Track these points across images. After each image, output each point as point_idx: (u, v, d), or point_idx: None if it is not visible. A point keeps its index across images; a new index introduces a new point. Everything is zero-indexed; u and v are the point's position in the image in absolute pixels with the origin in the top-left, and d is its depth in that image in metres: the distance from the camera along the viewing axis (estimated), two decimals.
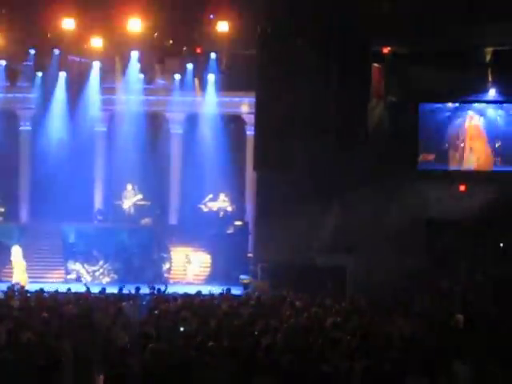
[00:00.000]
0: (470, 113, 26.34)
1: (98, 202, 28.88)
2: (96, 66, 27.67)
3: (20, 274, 24.41)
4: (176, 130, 28.96)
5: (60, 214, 26.97)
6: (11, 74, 27.50)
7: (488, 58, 25.43)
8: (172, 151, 28.95)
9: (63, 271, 26.01)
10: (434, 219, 25.06)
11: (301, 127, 24.57)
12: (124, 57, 27.10)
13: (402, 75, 25.92)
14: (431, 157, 26.39)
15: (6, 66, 27.25)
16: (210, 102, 28.37)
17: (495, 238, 24.79)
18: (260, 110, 25.23)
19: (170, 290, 20.74)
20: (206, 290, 20.99)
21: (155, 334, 14.28)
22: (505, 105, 26.31)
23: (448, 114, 26.50)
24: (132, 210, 27.85)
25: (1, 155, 28.22)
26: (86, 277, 25.86)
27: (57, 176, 27.49)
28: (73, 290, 20.13)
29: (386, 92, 26.34)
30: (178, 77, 28.17)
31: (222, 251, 26.17)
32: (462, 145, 26.41)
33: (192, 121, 28.80)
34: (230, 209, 27.74)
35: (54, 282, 23.27)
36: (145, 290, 20.08)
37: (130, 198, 27.86)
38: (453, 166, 26.45)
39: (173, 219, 28.86)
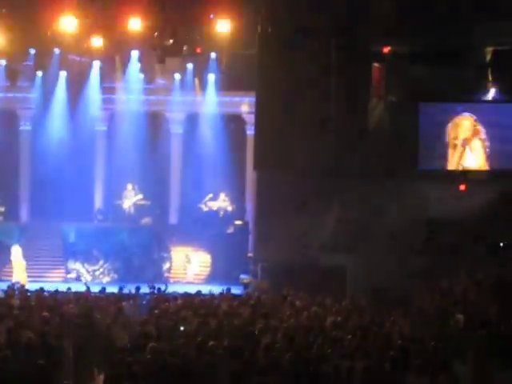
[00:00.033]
0: (467, 113, 26.33)
1: (98, 201, 28.89)
2: (96, 65, 27.70)
3: (20, 273, 24.42)
4: (176, 129, 28.97)
5: (60, 213, 26.99)
6: (11, 74, 27.54)
7: (488, 57, 25.42)
8: (172, 151, 28.95)
9: (63, 271, 26.01)
10: (434, 219, 25.05)
11: (301, 127, 24.58)
12: (124, 56, 27.15)
13: (402, 75, 25.91)
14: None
15: (6, 65, 27.28)
16: (210, 101, 28.39)
17: (495, 237, 24.77)
18: (260, 109, 25.24)
19: (170, 289, 20.75)
20: (206, 289, 20.98)
21: (155, 333, 14.29)
22: (505, 104, 26.29)
23: (447, 113, 26.49)
24: (132, 210, 27.86)
25: (1, 155, 28.23)
26: (86, 276, 25.87)
27: (57, 175, 27.49)
28: (73, 290, 20.10)
29: (386, 92, 26.35)
30: (178, 76, 28.21)
31: (222, 251, 26.16)
32: (460, 144, 26.41)
33: (192, 120, 28.80)
34: (230, 208, 27.75)
35: (54, 282, 23.24)
36: (145, 289, 20.08)
37: (131, 198, 27.87)
38: (451, 166, 26.44)
39: (173, 219, 28.86)
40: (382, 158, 25.05)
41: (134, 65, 27.54)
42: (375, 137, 25.57)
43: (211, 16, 23.84)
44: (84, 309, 16.81)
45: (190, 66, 27.64)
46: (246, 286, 24.48)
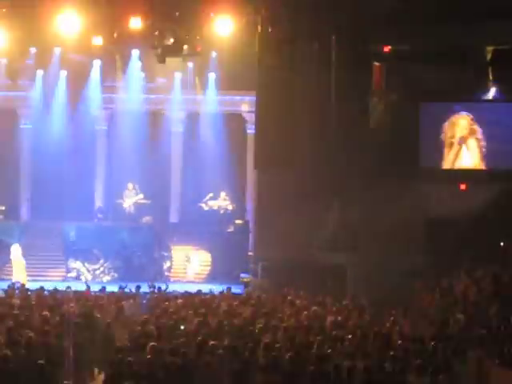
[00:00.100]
0: (464, 112, 26.33)
1: (99, 200, 28.86)
2: (97, 64, 27.67)
3: (19, 272, 24.42)
4: (176, 128, 28.94)
5: (61, 212, 26.97)
6: (12, 73, 27.50)
7: (488, 56, 25.41)
8: (172, 150, 28.92)
9: (64, 269, 26.00)
10: (434, 218, 25.05)
11: (301, 126, 24.57)
12: (125, 55, 27.12)
13: (402, 74, 25.89)
14: None
15: (6, 64, 27.25)
16: (211, 100, 28.37)
17: (495, 236, 24.77)
18: (260, 108, 25.21)
19: (171, 288, 20.76)
20: (206, 288, 21.00)
21: (155, 332, 14.29)
22: (505, 104, 26.28)
23: (448, 112, 26.49)
24: (132, 209, 27.84)
25: (1, 153, 28.23)
26: (86, 275, 25.85)
27: (57, 174, 27.47)
28: (73, 289, 20.10)
29: (387, 91, 26.33)
30: (178, 75, 28.18)
31: (222, 250, 26.14)
32: (456, 143, 26.40)
33: (192, 119, 28.79)
34: (230, 207, 27.72)
35: (54, 281, 23.23)
36: (145, 288, 20.09)
37: (131, 197, 27.84)
38: (446, 165, 26.44)
39: (173, 218, 28.84)
40: (383, 158, 25.04)
41: (135, 64, 27.52)
42: (376, 136, 25.56)
43: (211, 15, 23.83)
44: (84, 308, 16.82)
45: (190, 64, 27.62)
46: (246, 285, 24.49)
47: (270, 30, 23.99)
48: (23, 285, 20.79)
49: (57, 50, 26.67)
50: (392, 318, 16.40)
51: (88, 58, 27.12)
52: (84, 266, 26.06)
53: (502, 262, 22.92)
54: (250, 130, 28.02)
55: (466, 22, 23.60)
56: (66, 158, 27.77)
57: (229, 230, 26.82)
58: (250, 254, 26.67)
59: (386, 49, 25.47)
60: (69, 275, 25.89)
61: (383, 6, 23.84)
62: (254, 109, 26.26)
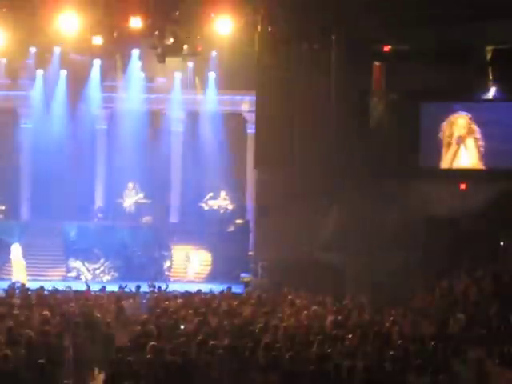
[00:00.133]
0: (463, 112, 26.32)
1: (99, 200, 28.87)
2: (97, 64, 27.67)
3: (19, 272, 24.43)
4: (176, 128, 28.95)
5: (61, 211, 26.98)
6: (12, 72, 27.49)
7: (489, 56, 25.40)
8: (172, 149, 28.93)
9: (64, 269, 26.01)
10: (434, 217, 25.04)
11: (301, 126, 24.57)
12: (125, 55, 27.12)
13: (402, 74, 25.88)
14: None
15: (6, 63, 27.25)
16: (211, 100, 28.37)
17: (495, 236, 24.77)
18: (260, 108, 25.23)
19: (171, 288, 20.75)
20: (206, 288, 21.01)
21: (156, 332, 14.30)
22: (505, 103, 26.28)
23: (448, 112, 26.48)
24: (133, 209, 27.84)
25: (1, 153, 28.24)
26: (86, 275, 25.86)
27: (58, 174, 27.47)
28: (73, 288, 20.10)
29: (387, 90, 26.32)
30: (178, 75, 28.18)
31: (222, 249, 26.14)
32: (455, 142, 26.39)
33: (192, 119, 28.79)
34: (230, 207, 27.73)
35: (54, 280, 23.23)
36: (145, 288, 20.09)
37: (131, 197, 27.85)
38: (444, 164, 26.44)
39: (174, 217, 28.85)
40: (383, 157, 25.04)
41: (135, 63, 27.52)
42: (376, 136, 25.56)
43: (211, 15, 23.84)
44: (84, 308, 16.83)
45: (190, 64, 27.63)
46: (246, 284, 24.49)
47: (269, 29, 24.00)
48: (23, 284, 20.79)
49: (57, 50, 26.67)
50: (392, 318, 16.41)
51: (88, 57, 27.10)
52: (84, 265, 26.07)
53: (502, 261, 22.93)
54: (250, 130, 28.02)
55: (465, 21, 23.60)
56: (66, 158, 27.77)
57: (229, 230, 26.83)
58: (250, 253, 26.67)
59: (386, 48, 25.46)
60: (69, 275, 25.90)
61: (383, 6, 23.85)
62: (254, 108, 26.27)
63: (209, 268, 26.37)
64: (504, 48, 25.02)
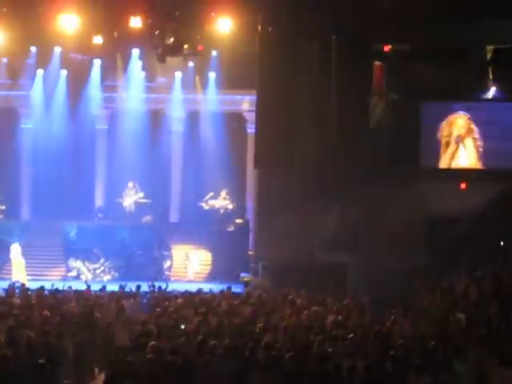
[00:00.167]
0: (462, 112, 26.32)
1: (99, 199, 28.88)
2: (97, 63, 27.66)
3: (19, 272, 24.43)
4: (177, 127, 28.95)
5: (61, 211, 26.97)
6: (13, 72, 27.49)
7: (489, 56, 25.41)
8: (173, 149, 28.93)
9: (64, 269, 26.00)
10: (435, 217, 25.06)
11: (301, 125, 24.57)
12: (125, 54, 27.10)
13: (403, 73, 25.89)
14: None
15: (7, 63, 27.24)
16: (211, 99, 28.36)
17: (495, 236, 24.77)
18: (261, 107, 25.19)
19: (171, 287, 20.75)
20: (206, 288, 21.00)
21: (156, 332, 14.29)
22: (505, 103, 26.28)
23: (448, 111, 26.49)
24: (133, 208, 27.83)
25: (2, 153, 28.24)
26: (86, 274, 25.86)
27: (58, 174, 27.48)
28: (73, 288, 20.10)
29: (388, 90, 26.34)
30: (179, 75, 28.18)
31: (222, 249, 26.14)
32: (454, 142, 26.39)
33: (193, 119, 28.79)
34: (230, 207, 27.71)
35: (54, 280, 23.21)
36: (145, 287, 20.08)
37: (131, 196, 27.84)
38: (443, 164, 26.43)
39: (174, 217, 28.85)
40: (383, 157, 25.04)
41: (135, 63, 27.51)
42: (376, 135, 25.56)
43: (212, 15, 23.84)
44: (85, 307, 16.82)
45: (190, 64, 27.62)
46: (246, 284, 24.49)
47: (270, 29, 23.98)
48: (23, 284, 20.79)
49: (57, 50, 26.65)
50: (392, 318, 16.40)
51: (88, 57, 27.09)
52: (84, 265, 26.07)
53: (502, 261, 22.93)
54: (251, 130, 28.01)
55: (466, 21, 23.59)
56: (66, 158, 27.78)
57: (229, 230, 26.83)
58: (250, 253, 26.67)
59: (387, 48, 25.48)
60: (69, 274, 25.89)
61: (384, 5, 23.85)
62: (254, 108, 26.27)
63: (209, 268, 26.36)
64: (504, 48, 25.03)
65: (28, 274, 24.50)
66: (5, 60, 27.08)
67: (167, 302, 17.71)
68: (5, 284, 20.94)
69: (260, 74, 24.81)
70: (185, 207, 28.72)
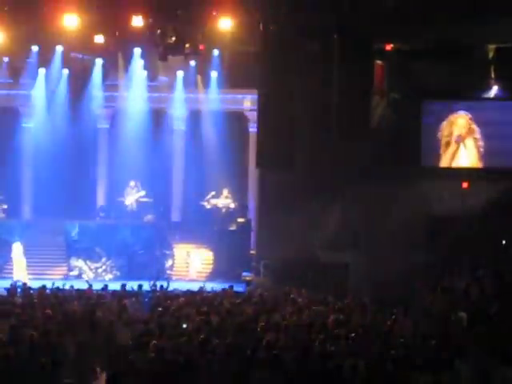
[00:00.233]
0: (463, 111, 26.31)
1: (101, 198, 28.90)
2: (98, 62, 27.66)
3: (20, 271, 24.45)
4: (178, 126, 28.96)
5: (63, 210, 26.98)
6: (14, 71, 27.50)
7: (491, 55, 25.40)
8: (174, 148, 28.94)
9: (66, 268, 26.01)
10: (436, 216, 25.06)
11: (303, 124, 24.57)
12: (127, 54, 27.10)
13: (404, 72, 25.89)
14: None
15: (8, 62, 27.25)
16: (213, 98, 28.36)
17: (497, 235, 24.77)
18: (262, 107, 25.21)
19: (173, 286, 20.75)
20: (208, 287, 21.00)
21: (158, 331, 14.31)
22: (507, 102, 26.27)
23: (449, 111, 26.48)
24: (134, 207, 27.83)
25: (3, 152, 28.26)
26: (88, 274, 25.88)
27: (59, 173, 27.47)
28: (75, 287, 20.11)
29: (389, 89, 26.33)
30: (180, 74, 28.19)
31: (224, 248, 26.14)
32: (454, 141, 26.38)
33: (195, 118, 28.79)
34: (232, 206, 27.71)
35: (56, 279, 23.22)
36: (147, 287, 20.09)
37: (133, 195, 27.85)
38: (443, 164, 26.42)
39: (175, 216, 28.86)
40: (385, 156, 25.04)
41: (137, 62, 27.51)
42: (378, 134, 25.56)
43: (213, 14, 23.85)
44: (87, 306, 16.83)
45: (192, 63, 27.62)
46: (248, 283, 24.50)
47: (271, 28, 24.00)
48: (25, 283, 20.81)
49: (59, 49, 26.64)
50: (393, 317, 16.41)
51: (90, 56, 27.11)
52: (86, 264, 26.07)
53: (504, 260, 22.93)
54: (252, 129, 28.02)
55: (467, 20, 23.57)
56: (67, 157, 27.78)
57: (231, 229, 26.83)
58: (252, 252, 26.68)
59: (388, 47, 25.47)
60: (71, 274, 25.90)
61: (386, 4, 23.84)
62: (255, 107, 26.28)
63: (210, 267, 26.36)
64: (506, 47, 25.02)
65: (30, 273, 24.52)
66: (6, 59, 27.06)
67: (169, 301, 17.72)
68: (7, 283, 20.96)
69: (261, 73, 24.84)
70: (186, 206, 28.73)
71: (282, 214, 24.43)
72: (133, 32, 24.10)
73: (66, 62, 27.29)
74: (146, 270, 25.26)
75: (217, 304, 17.71)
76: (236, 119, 28.79)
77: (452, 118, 26.34)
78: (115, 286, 20.72)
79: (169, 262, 26.33)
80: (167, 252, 26.42)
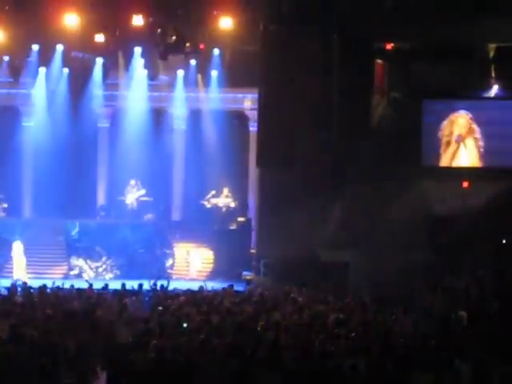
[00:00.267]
0: (463, 111, 26.30)
1: (101, 197, 28.90)
2: (99, 62, 27.66)
3: (20, 270, 24.46)
4: (179, 125, 28.96)
5: (63, 209, 27.01)
6: (14, 70, 27.50)
7: (491, 54, 25.39)
8: (175, 147, 28.94)
9: (66, 267, 26.02)
10: (436, 215, 25.04)
11: (303, 124, 24.57)
12: (127, 53, 27.12)
13: (404, 71, 25.88)
14: None
15: (9, 61, 27.25)
16: (213, 98, 28.35)
17: (497, 234, 24.77)
18: (263, 106, 25.24)
19: (173, 286, 20.75)
20: (208, 286, 21.01)
21: (158, 330, 14.31)
22: (508, 101, 26.26)
23: (450, 110, 26.46)
24: (135, 206, 27.83)
25: (4, 151, 28.27)
26: (88, 273, 25.89)
27: (59, 172, 27.48)
28: (75, 286, 20.12)
29: (389, 89, 26.31)
30: (181, 73, 28.19)
31: (224, 247, 26.15)
32: (454, 141, 26.38)
33: (195, 117, 28.79)
34: (232, 205, 27.71)
35: (56, 278, 23.24)
36: (147, 286, 20.10)
37: (133, 193, 27.84)
38: (443, 163, 26.41)
39: (176, 215, 28.86)
40: (385, 155, 25.03)
41: (137, 61, 27.51)
42: (378, 133, 25.55)
43: (214, 13, 23.87)
44: (87, 306, 16.84)
45: (193, 62, 27.62)
46: (248, 282, 24.50)
47: (272, 28, 24.02)
48: (25, 283, 20.82)
49: (59, 48, 26.65)
50: (394, 316, 16.42)
51: (90, 55, 27.11)
52: (86, 263, 26.09)
53: (504, 260, 22.93)
54: (253, 128, 28.02)
55: (468, 19, 23.57)
56: (68, 156, 27.78)
57: (231, 228, 26.85)
58: (252, 251, 26.68)
59: (389, 47, 25.46)
60: (71, 273, 25.92)
61: (386, 3, 23.85)
62: (255, 106, 26.28)
63: (211, 266, 26.37)
64: (507, 46, 25.01)
65: (30, 273, 24.54)
66: (6, 58, 27.05)
67: (169, 301, 17.73)
68: (7, 282, 20.97)
69: (262, 72, 24.86)
70: (187, 205, 28.72)
71: (282, 213, 24.41)
72: (133, 31, 24.13)
73: (67, 61, 27.30)
74: (147, 269, 25.26)
75: (217, 303, 17.72)
76: (236, 118, 28.79)
77: (453, 117, 26.31)
78: (115, 285, 20.73)
79: (169, 261, 26.35)
80: (167, 251, 26.43)
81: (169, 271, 26.07)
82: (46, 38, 25.05)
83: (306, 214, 24.21)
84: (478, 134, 26.15)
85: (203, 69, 27.81)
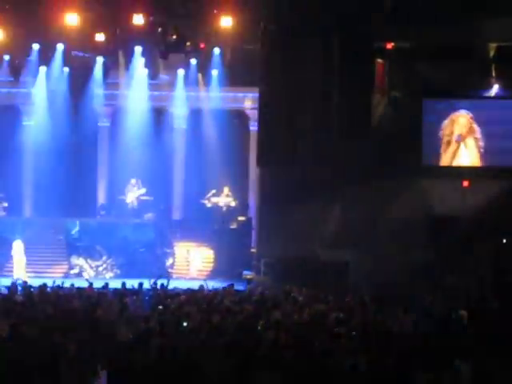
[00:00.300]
0: (464, 111, 26.29)
1: (102, 197, 28.92)
2: (99, 61, 27.67)
3: (20, 269, 24.47)
4: (179, 125, 28.96)
5: (63, 208, 27.02)
6: (15, 69, 27.50)
7: (492, 53, 25.40)
8: (175, 146, 28.95)
9: (66, 266, 26.04)
10: (437, 215, 25.06)
11: (304, 123, 24.58)
12: (127, 52, 27.12)
13: (405, 71, 25.88)
14: None
15: (9, 60, 27.25)
16: (214, 97, 28.35)
17: (497, 233, 24.78)
18: (263, 105, 25.25)
19: (173, 285, 20.76)
20: (209, 285, 21.02)
21: (158, 329, 14.32)
22: (509, 101, 26.27)
23: (450, 110, 26.47)
24: (135, 205, 27.83)
25: (4, 150, 28.28)
26: (89, 272, 25.91)
27: (60, 171, 27.50)
28: (76, 285, 20.13)
29: (390, 88, 26.32)
30: (181, 72, 28.19)
31: (225, 247, 26.17)
32: (454, 140, 26.38)
33: (195, 116, 28.79)
34: (233, 204, 27.71)
35: (56, 277, 23.25)
36: (148, 285, 20.11)
37: (134, 192, 27.85)
38: (444, 162, 26.41)
39: (176, 214, 28.87)
40: (385, 154, 25.04)
41: (138, 60, 27.51)
42: (378, 133, 25.56)
43: (214, 12, 23.87)
44: (87, 305, 16.85)
45: (193, 61, 27.63)
46: (249, 282, 24.51)
47: (272, 27, 24.03)
48: (25, 281, 20.83)
49: (59, 47, 26.65)
50: (394, 315, 16.41)
51: (91, 54, 27.12)
52: (87, 262, 26.11)
53: (504, 259, 22.94)
54: (253, 127, 28.03)
55: (469, 18, 23.59)
56: (68, 155, 27.80)
57: (231, 227, 26.85)
58: (252, 250, 26.69)
59: (389, 46, 25.47)
60: (71, 272, 25.93)
61: (386, 2, 23.86)
62: (256, 105, 26.29)
63: (211, 265, 26.38)
64: (507, 45, 25.03)
65: (30, 272, 24.57)
66: (7, 57, 27.04)
67: (170, 300, 17.74)
68: (7, 281, 20.98)
69: (262, 71, 24.86)
70: (187, 204, 28.73)
71: (282, 212, 24.43)
72: (134, 30, 24.14)
73: (67, 60, 27.28)
74: (147, 268, 25.27)
75: (217, 302, 17.73)
76: (237, 118, 28.80)
77: (454, 116, 26.31)
78: (116, 284, 20.74)
79: (169, 261, 26.36)
80: (168, 250, 26.44)
81: (169, 270, 26.07)
82: (46, 37, 25.05)
83: (306, 214, 24.24)
84: (478, 134, 26.15)
85: (204, 68, 27.80)
